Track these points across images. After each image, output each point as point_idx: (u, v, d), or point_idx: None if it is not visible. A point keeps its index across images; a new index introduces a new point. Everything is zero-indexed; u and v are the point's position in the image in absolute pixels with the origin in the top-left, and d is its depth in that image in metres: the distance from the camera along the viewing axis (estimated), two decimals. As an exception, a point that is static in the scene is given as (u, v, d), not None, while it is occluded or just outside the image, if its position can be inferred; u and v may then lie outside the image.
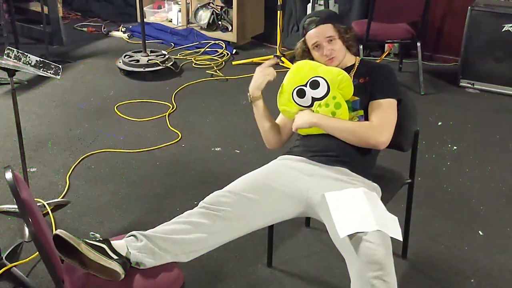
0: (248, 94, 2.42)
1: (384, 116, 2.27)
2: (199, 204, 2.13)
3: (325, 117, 2.27)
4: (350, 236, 1.96)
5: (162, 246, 1.97)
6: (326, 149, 2.25)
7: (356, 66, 2.40)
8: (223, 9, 5.66)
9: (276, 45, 5.15)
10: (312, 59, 2.41)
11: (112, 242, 1.97)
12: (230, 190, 2.16)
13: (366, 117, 2.30)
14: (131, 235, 2.02)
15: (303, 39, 2.41)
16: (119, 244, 1.97)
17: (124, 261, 1.91)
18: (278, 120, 2.50)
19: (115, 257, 1.90)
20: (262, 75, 2.39)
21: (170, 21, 6.00)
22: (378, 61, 5.03)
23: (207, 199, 2.14)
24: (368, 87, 2.32)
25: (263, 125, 2.46)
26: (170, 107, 4.28)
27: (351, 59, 2.42)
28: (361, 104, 2.31)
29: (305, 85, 2.31)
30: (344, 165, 2.23)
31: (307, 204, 2.18)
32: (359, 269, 1.93)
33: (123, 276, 1.88)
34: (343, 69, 2.38)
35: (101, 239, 1.97)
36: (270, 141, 2.49)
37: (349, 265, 2.00)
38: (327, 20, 2.36)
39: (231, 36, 5.53)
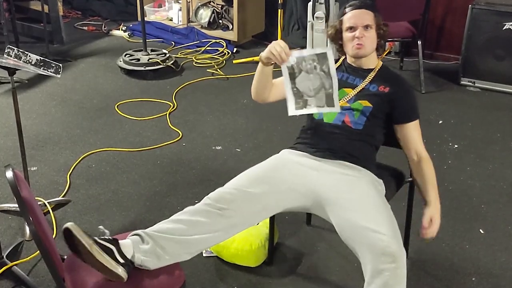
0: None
1: (421, 138, 2.35)
2: (204, 200, 2.13)
3: (435, 195, 2.24)
4: (362, 229, 1.99)
5: (166, 248, 1.98)
6: (329, 146, 2.26)
7: (377, 69, 2.36)
8: (224, 8, 5.65)
9: (277, 44, 5.13)
10: (342, 43, 2.37)
11: (119, 242, 1.96)
12: (235, 187, 2.17)
13: (368, 120, 2.28)
14: (136, 234, 2.02)
15: (340, 19, 2.36)
16: (126, 244, 1.96)
17: (128, 264, 1.91)
18: (274, 81, 2.37)
19: (121, 261, 1.90)
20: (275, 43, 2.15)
21: (171, 19, 5.99)
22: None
23: (211, 195, 2.15)
24: (387, 99, 2.29)
25: (260, 79, 2.32)
26: (170, 105, 4.28)
27: (374, 61, 2.38)
28: (372, 112, 2.28)
29: None
30: (347, 159, 2.24)
31: (313, 199, 2.19)
32: (372, 261, 1.95)
33: (125, 279, 1.88)
34: (361, 69, 2.35)
35: (110, 238, 1.96)
36: (258, 93, 2.37)
37: (361, 258, 2.02)
38: (370, 8, 2.32)
39: (232, 35, 5.52)
